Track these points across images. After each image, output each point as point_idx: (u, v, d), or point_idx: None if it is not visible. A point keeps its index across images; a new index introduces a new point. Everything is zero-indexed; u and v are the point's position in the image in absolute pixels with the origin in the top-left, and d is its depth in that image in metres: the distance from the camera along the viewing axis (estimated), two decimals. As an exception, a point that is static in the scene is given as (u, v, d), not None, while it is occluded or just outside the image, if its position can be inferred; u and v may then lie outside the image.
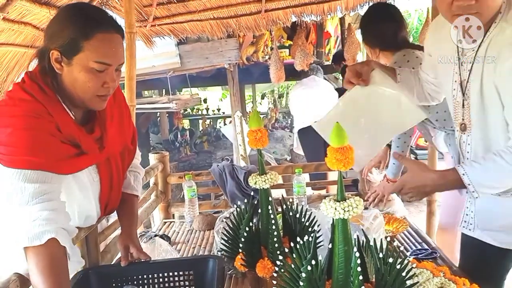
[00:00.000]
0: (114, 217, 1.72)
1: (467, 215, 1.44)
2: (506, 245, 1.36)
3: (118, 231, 1.77)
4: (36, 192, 1.11)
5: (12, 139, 1.11)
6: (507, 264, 1.45)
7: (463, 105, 1.31)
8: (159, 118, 8.10)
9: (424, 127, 2.12)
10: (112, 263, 1.62)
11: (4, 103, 1.18)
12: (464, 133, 1.35)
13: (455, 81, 1.33)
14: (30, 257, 1.08)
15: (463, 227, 1.45)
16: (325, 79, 6.71)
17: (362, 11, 3.53)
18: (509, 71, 1.15)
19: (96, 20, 1.19)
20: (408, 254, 1.59)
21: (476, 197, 1.24)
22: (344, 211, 1.00)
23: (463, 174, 1.21)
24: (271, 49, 5.56)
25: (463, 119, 1.33)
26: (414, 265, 1.27)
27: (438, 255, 1.57)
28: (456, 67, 1.32)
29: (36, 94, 1.17)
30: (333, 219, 1.04)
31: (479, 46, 1.22)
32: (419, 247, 1.67)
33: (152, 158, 2.47)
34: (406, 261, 1.01)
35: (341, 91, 5.20)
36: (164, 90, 6.42)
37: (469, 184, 1.21)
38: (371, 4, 3.28)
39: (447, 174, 1.27)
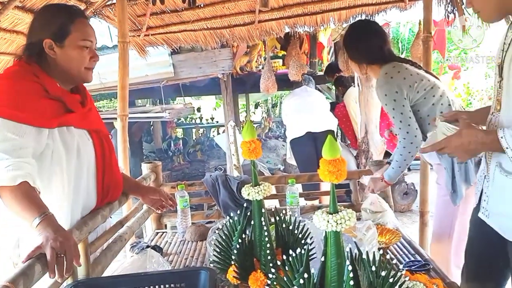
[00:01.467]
0: (103, 229, 1.71)
1: (484, 200, 1.43)
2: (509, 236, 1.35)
3: (108, 243, 1.76)
4: (13, 144, 1.27)
5: None
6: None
7: (500, 86, 1.33)
8: (152, 127, 8.07)
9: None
10: (103, 275, 1.60)
11: None
12: (496, 114, 1.37)
13: (497, 64, 1.36)
14: (7, 194, 1.25)
15: (482, 213, 1.44)
16: (318, 89, 6.77)
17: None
18: None
19: (73, 9, 1.55)
20: (401, 266, 1.59)
21: None
22: (337, 223, 1.00)
23: (501, 137, 1.22)
24: (265, 59, 5.58)
25: (498, 99, 1.35)
26: (407, 278, 1.26)
27: (431, 267, 1.56)
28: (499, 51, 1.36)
29: (24, 65, 1.41)
30: (325, 231, 1.03)
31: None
32: (412, 258, 1.67)
33: (145, 167, 2.45)
34: (399, 274, 1.00)
35: (333, 104, 5.25)
36: (157, 99, 6.41)
37: (506, 148, 1.21)
38: (357, 19, 3.34)
39: (490, 133, 1.28)
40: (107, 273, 1.65)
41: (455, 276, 2.12)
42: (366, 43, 2.10)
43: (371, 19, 3.29)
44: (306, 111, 4.34)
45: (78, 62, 1.47)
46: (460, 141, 1.32)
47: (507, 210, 1.33)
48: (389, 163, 2.15)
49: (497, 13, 1.32)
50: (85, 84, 1.60)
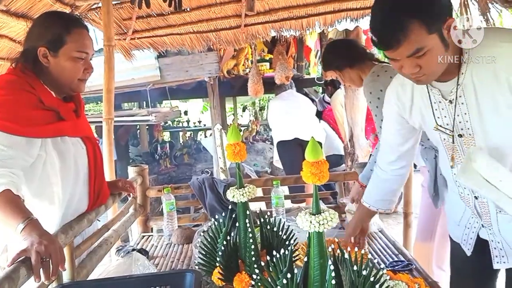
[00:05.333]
0: (89, 232, 1.71)
1: (495, 248, 1.39)
2: None
3: (93, 246, 1.76)
4: (2, 155, 1.26)
5: None
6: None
7: (453, 141, 1.34)
8: (139, 131, 8.04)
9: None
10: (88, 279, 1.60)
11: None
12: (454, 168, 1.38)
13: (436, 126, 1.36)
14: None
15: (497, 262, 1.39)
16: (306, 92, 6.81)
17: (340, 26, 3.61)
18: None
19: (72, 19, 1.54)
20: (382, 266, 1.61)
21: None
22: (319, 224, 1.02)
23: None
24: (252, 62, 5.61)
25: (452, 152, 1.36)
26: (388, 277, 1.29)
27: (414, 266, 1.59)
28: (432, 111, 1.35)
29: (20, 74, 1.40)
30: (308, 232, 1.05)
31: (457, 83, 1.25)
32: (396, 259, 1.70)
33: (131, 171, 2.45)
34: (380, 273, 1.02)
35: (320, 113, 5.30)
36: (144, 102, 6.38)
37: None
38: (341, 23, 3.45)
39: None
40: (92, 277, 1.64)
41: (437, 275, 2.17)
42: (349, 47, 2.17)
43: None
44: (294, 115, 4.38)
45: (71, 73, 1.46)
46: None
47: None
48: None
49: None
50: None
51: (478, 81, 1.22)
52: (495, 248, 1.39)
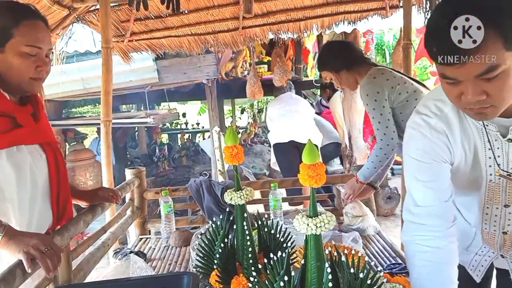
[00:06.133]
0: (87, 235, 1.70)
1: None
2: None
3: (91, 249, 1.75)
4: None
5: None
6: None
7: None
8: (137, 133, 8.03)
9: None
10: (85, 281, 1.59)
11: None
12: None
13: (490, 166, 1.15)
14: None
15: None
16: (304, 95, 6.82)
17: (338, 29, 3.62)
18: None
19: (22, 9, 1.32)
20: (380, 268, 1.61)
21: None
22: (317, 227, 1.01)
23: None
24: (250, 64, 5.61)
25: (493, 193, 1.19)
26: (385, 280, 1.29)
27: (411, 269, 1.59)
28: (489, 151, 1.13)
29: None
30: (305, 235, 1.05)
31: None
32: (393, 261, 1.70)
33: (129, 173, 2.45)
34: (377, 276, 1.02)
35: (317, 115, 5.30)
36: (142, 104, 6.38)
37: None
38: (339, 26, 3.46)
39: None
40: (89, 279, 1.64)
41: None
42: (347, 49, 2.17)
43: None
44: (291, 118, 4.38)
45: (20, 71, 1.27)
46: None
47: None
48: None
49: None
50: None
51: None
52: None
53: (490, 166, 1.15)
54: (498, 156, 1.12)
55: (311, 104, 5.78)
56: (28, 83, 1.30)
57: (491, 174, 1.15)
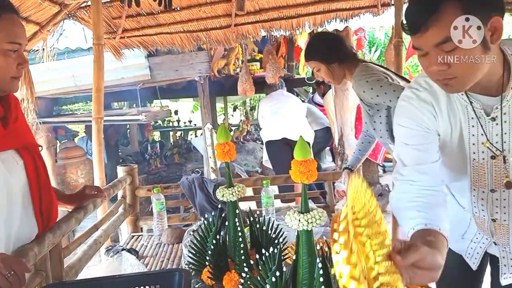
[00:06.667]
0: (79, 232, 1.69)
1: (505, 265, 1.32)
2: None
3: (83, 247, 1.75)
4: None
5: None
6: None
7: (504, 161, 1.17)
8: (129, 130, 7.99)
9: (386, 144, 2.18)
10: (77, 278, 1.59)
11: None
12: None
13: (473, 144, 1.19)
14: None
15: (504, 278, 1.33)
16: (296, 92, 6.83)
17: (330, 26, 3.63)
18: None
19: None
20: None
21: None
22: (308, 222, 1.03)
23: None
24: (242, 62, 5.61)
25: (506, 177, 1.19)
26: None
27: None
28: (472, 128, 1.17)
29: None
30: (297, 230, 1.06)
31: (501, 104, 1.10)
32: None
33: (120, 170, 2.44)
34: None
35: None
36: (134, 102, 6.35)
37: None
38: (331, 24, 3.50)
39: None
40: (81, 277, 1.64)
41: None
42: (338, 41, 2.08)
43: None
44: (282, 115, 4.39)
45: (2, 71, 1.17)
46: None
47: None
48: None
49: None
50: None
51: None
52: (505, 265, 1.33)
53: (473, 144, 1.18)
54: (482, 134, 1.16)
55: (303, 101, 5.79)
56: (10, 83, 1.21)
57: (474, 153, 1.20)
